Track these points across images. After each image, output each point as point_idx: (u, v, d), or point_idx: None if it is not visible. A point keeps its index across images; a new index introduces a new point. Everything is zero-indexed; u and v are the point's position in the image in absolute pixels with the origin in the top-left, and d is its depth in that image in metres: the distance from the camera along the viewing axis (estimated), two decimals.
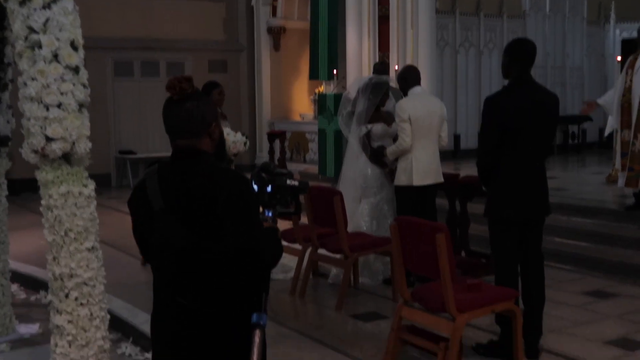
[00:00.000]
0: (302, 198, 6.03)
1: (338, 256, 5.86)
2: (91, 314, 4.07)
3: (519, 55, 4.39)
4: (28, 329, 5.53)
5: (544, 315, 4.58)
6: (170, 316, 2.48)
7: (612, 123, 8.88)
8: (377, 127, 6.35)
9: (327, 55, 11.66)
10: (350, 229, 6.28)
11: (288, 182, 2.59)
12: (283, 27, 14.76)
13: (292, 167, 13.37)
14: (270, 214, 2.56)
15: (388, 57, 12.42)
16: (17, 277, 6.93)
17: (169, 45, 14.43)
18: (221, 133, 2.72)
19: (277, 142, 13.63)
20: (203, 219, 2.33)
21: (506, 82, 4.51)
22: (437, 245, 3.87)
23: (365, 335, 4.96)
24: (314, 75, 12.67)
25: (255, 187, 2.55)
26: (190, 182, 2.37)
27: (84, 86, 4.07)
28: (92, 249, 4.06)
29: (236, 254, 2.34)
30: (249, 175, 2.54)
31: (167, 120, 2.46)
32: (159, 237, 2.42)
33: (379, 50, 12.60)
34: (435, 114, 6.04)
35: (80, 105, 4.05)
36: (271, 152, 13.62)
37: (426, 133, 5.97)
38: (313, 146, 13.15)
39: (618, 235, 6.79)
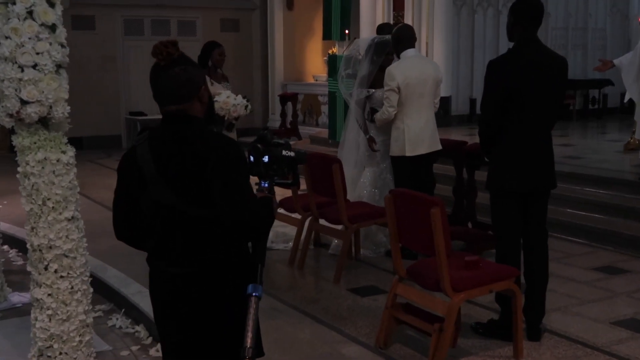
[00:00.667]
0: (300, 168, 5.82)
1: (338, 227, 5.66)
2: (72, 287, 3.91)
3: (524, 15, 4.08)
4: (20, 298, 5.40)
5: (550, 292, 4.37)
6: (164, 285, 2.51)
7: (630, 90, 8.54)
8: (379, 92, 6.06)
9: (340, 15, 11.29)
10: (352, 197, 6.07)
11: (284, 152, 2.56)
12: None
13: (304, 130, 13.14)
14: (266, 185, 2.56)
15: (402, 17, 12.07)
16: (15, 243, 6.83)
17: (180, 3, 14.15)
18: (210, 95, 2.61)
19: (289, 105, 13.39)
20: (193, 183, 2.36)
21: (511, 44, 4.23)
22: (432, 221, 3.65)
23: (362, 311, 4.77)
24: (327, 35, 12.33)
25: (251, 157, 2.54)
26: (181, 147, 2.38)
27: (62, 46, 3.85)
28: (72, 219, 3.89)
29: (225, 220, 2.35)
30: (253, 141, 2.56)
31: (155, 87, 2.44)
32: (151, 202, 2.44)
33: (394, 9, 12.25)
34: (429, 78, 5.74)
35: (58, 66, 3.83)
36: (283, 115, 13.39)
37: (418, 99, 5.69)
38: (326, 109, 12.86)
39: (632, 208, 6.50)
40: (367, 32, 11.57)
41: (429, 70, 5.78)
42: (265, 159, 2.54)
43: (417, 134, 5.69)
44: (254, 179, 2.56)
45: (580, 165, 7.85)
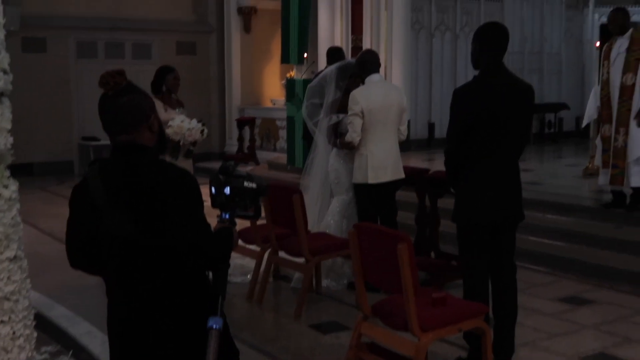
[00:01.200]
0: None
1: (299, 259, 5.46)
2: (14, 333, 3.63)
3: (490, 42, 3.98)
4: None
5: (517, 325, 4.21)
6: (121, 318, 2.45)
7: (590, 113, 8.58)
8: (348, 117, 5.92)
9: (298, 38, 11.18)
10: (318, 226, 5.90)
11: (245, 184, 2.55)
12: (254, 7, 14.23)
13: (262, 155, 12.94)
14: (227, 216, 2.54)
15: (361, 40, 12.03)
16: None
17: (135, 26, 13.86)
18: (160, 123, 2.56)
19: (246, 129, 13.20)
20: (147, 214, 2.34)
21: (476, 72, 4.11)
22: (399, 257, 3.49)
23: (324, 350, 4.57)
24: (285, 59, 12.21)
25: (212, 189, 2.54)
26: (132, 178, 2.37)
27: (5, 72, 3.61)
28: (14, 259, 3.62)
29: (180, 249, 2.34)
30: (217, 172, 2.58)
31: (103, 117, 2.44)
32: (104, 233, 2.40)
33: (352, 32, 12.20)
34: (393, 105, 5.64)
35: (0, 95, 3.58)
36: (240, 139, 13.19)
37: (382, 126, 5.59)
38: (284, 133, 12.68)
39: (594, 235, 6.46)
40: (324, 55, 11.43)
41: (393, 96, 5.67)
42: (227, 190, 2.52)
43: (381, 161, 5.57)
44: (215, 211, 2.56)
45: (541, 191, 7.81)
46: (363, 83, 5.73)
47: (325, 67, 8.64)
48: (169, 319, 2.39)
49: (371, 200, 5.63)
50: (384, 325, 3.84)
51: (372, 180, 5.55)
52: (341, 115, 5.89)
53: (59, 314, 5.25)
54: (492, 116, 3.86)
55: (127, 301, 2.43)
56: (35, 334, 3.79)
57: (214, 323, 2.31)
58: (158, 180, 2.35)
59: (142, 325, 2.41)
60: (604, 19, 15.14)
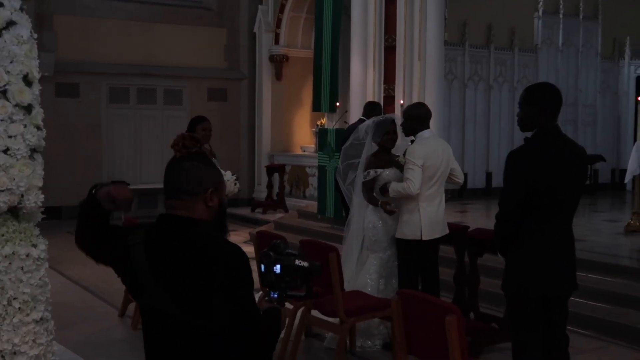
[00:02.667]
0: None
1: (333, 319, 5.22)
2: None
3: (548, 104, 3.78)
4: None
5: None
6: None
7: (632, 169, 8.33)
8: (389, 173, 5.72)
9: (329, 86, 11.10)
10: (354, 285, 5.68)
11: (297, 262, 2.44)
12: (286, 55, 14.25)
13: (291, 202, 12.79)
14: (275, 295, 2.44)
15: (394, 90, 11.91)
16: None
17: (167, 72, 13.93)
18: (222, 204, 2.43)
19: (276, 176, 13.09)
20: (193, 292, 2.21)
21: (523, 134, 3.89)
22: (447, 330, 3.25)
23: None
24: (317, 107, 12.15)
25: (262, 266, 2.45)
26: (180, 252, 2.25)
27: (38, 128, 3.49)
28: (40, 321, 3.46)
29: (224, 331, 2.21)
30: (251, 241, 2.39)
31: (165, 178, 2.38)
32: (146, 306, 2.32)
33: (385, 82, 12.09)
34: (445, 161, 5.50)
35: (33, 151, 3.46)
36: (269, 186, 13.07)
37: (435, 182, 5.44)
38: (313, 181, 12.56)
39: None
40: (357, 104, 11.35)
41: (445, 153, 5.54)
42: (277, 268, 2.41)
43: (433, 217, 5.41)
44: (264, 289, 2.38)
45: (583, 249, 7.48)
46: (411, 136, 5.57)
47: (359, 120, 8.57)
48: None
49: (417, 257, 5.44)
50: None
51: (426, 237, 5.37)
52: (379, 171, 5.72)
53: None
54: (551, 185, 3.65)
55: None
56: None
57: None
58: (207, 257, 2.22)
59: None
60: None
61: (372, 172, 5.73)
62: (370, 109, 8.68)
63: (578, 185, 3.79)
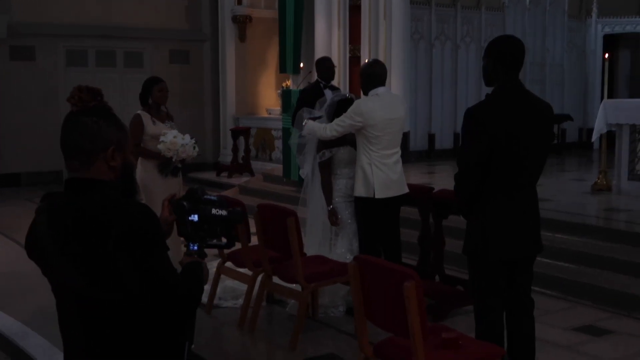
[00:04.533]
0: (251, 220, 5.23)
1: (294, 286, 5.06)
2: None
3: (505, 57, 3.59)
4: None
5: None
6: None
7: (599, 127, 8.24)
8: (343, 152, 5.53)
9: (293, 47, 10.82)
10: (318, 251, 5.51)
11: (213, 211, 2.32)
12: (249, 16, 13.87)
13: (257, 165, 12.57)
14: (195, 247, 2.31)
15: (359, 50, 11.68)
16: None
17: (126, 34, 13.51)
18: (128, 164, 2.22)
19: (241, 139, 12.83)
20: (98, 262, 2.02)
21: (486, 89, 3.71)
22: (406, 296, 3.09)
23: None
24: (283, 68, 11.87)
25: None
26: (79, 219, 2.04)
27: None
28: None
29: (140, 301, 2.05)
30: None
31: (61, 136, 2.15)
32: (54, 280, 2.14)
33: (350, 42, 11.86)
34: (399, 118, 5.32)
35: None
36: (235, 149, 12.82)
37: (387, 140, 5.24)
38: (279, 144, 12.32)
39: (611, 258, 6.05)
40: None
41: (399, 109, 5.35)
42: (194, 217, 2.31)
43: (386, 177, 5.22)
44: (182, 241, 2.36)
45: (549, 209, 7.40)
46: (365, 95, 5.37)
47: (315, 81, 8.23)
48: None
49: (374, 216, 5.27)
50: None
51: (379, 195, 5.19)
52: (334, 150, 5.51)
53: (35, 344, 4.85)
54: (513, 140, 3.47)
55: (79, 357, 2.13)
56: None
57: None
58: (105, 221, 2.01)
59: None
60: (607, 30, 14.89)
61: (326, 153, 5.51)
62: (317, 67, 8.11)
63: (542, 142, 3.62)
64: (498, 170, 3.51)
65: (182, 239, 2.41)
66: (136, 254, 2.01)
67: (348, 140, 5.47)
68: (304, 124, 5.60)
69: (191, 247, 2.31)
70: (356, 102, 5.37)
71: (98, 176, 2.11)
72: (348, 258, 5.46)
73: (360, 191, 5.28)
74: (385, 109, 5.24)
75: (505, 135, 3.45)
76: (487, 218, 3.56)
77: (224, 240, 2.42)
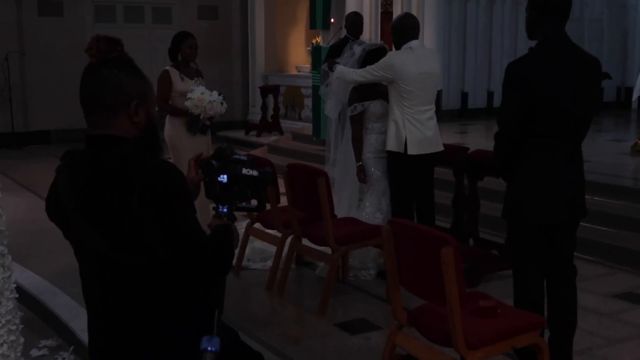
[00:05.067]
0: (280, 181, 5.09)
1: (324, 248, 4.93)
2: None
3: (549, 7, 3.35)
4: None
5: None
6: (100, 334, 2.08)
7: None
8: (375, 105, 5.34)
9: (323, 2, 10.53)
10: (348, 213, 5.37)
11: (244, 171, 2.19)
12: None
13: (285, 125, 12.39)
14: (225, 210, 2.18)
15: (391, 6, 11.37)
16: None
17: None
18: (152, 119, 2.07)
19: (270, 98, 12.64)
20: (122, 223, 1.91)
21: (530, 43, 3.49)
22: (443, 263, 2.94)
23: (351, 353, 4.05)
24: (314, 24, 11.60)
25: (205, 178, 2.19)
26: (102, 177, 1.93)
27: None
28: None
29: (167, 265, 1.93)
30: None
31: (80, 90, 2.03)
32: (76, 243, 2.05)
33: None
34: (433, 73, 5.14)
35: None
36: (264, 108, 12.65)
37: (420, 96, 5.05)
38: (309, 102, 12.12)
39: None
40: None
41: (433, 65, 5.17)
42: (224, 178, 2.17)
43: (419, 134, 5.04)
44: (210, 203, 2.24)
45: (588, 170, 7.09)
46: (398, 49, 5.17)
47: (344, 37, 8.01)
48: (155, 346, 2.00)
49: (406, 173, 5.10)
50: (422, 338, 3.31)
51: (411, 150, 5.02)
52: (366, 104, 5.31)
53: (62, 304, 4.79)
54: (556, 97, 3.25)
55: (103, 325, 2.05)
56: (22, 340, 3.30)
57: (209, 345, 1.94)
58: (129, 180, 1.89)
59: (122, 348, 2.03)
60: None
61: (358, 106, 5.32)
62: (346, 24, 7.93)
63: (588, 99, 3.39)
64: (539, 128, 3.31)
65: (209, 201, 2.29)
66: (162, 213, 1.90)
67: (381, 92, 5.28)
68: (334, 68, 5.47)
69: (220, 209, 2.19)
70: (388, 54, 5.18)
71: (120, 132, 2.00)
72: (377, 217, 5.33)
73: (392, 145, 5.11)
74: (418, 63, 5.03)
75: (548, 92, 3.24)
76: (525, 178, 3.37)
77: (253, 202, 2.29)
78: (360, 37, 7.70)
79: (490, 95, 12.72)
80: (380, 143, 5.31)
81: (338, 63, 5.51)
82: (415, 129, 5.03)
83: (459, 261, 2.96)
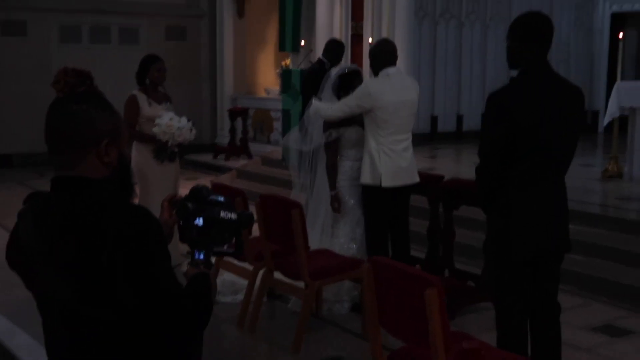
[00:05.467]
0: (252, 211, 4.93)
1: (298, 282, 4.78)
2: None
3: (533, 35, 3.27)
4: None
5: None
6: None
7: (612, 110, 7.94)
8: (350, 132, 5.23)
9: (293, 24, 10.46)
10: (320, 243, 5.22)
11: (222, 214, 2.04)
12: None
13: (255, 148, 12.23)
14: (201, 256, 2.02)
15: (361, 28, 11.33)
16: None
17: (121, 8, 13.08)
18: (124, 159, 1.92)
19: (239, 120, 12.48)
20: (87, 273, 1.75)
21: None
22: (428, 305, 2.82)
23: None
24: (283, 46, 11.52)
25: (181, 221, 2.05)
26: (69, 223, 1.77)
27: None
28: None
29: (138, 320, 1.77)
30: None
31: (46, 126, 1.88)
32: (40, 294, 1.90)
33: (352, 19, 11.51)
34: (410, 101, 5.04)
35: None
36: (232, 131, 12.47)
37: (398, 123, 4.96)
38: (278, 125, 11.99)
39: (629, 251, 5.78)
40: (322, 43, 10.72)
41: (411, 92, 5.07)
42: (199, 221, 2.01)
43: (395, 165, 4.95)
44: (184, 247, 2.11)
45: None
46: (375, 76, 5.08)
47: (317, 60, 7.98)
48: None
49: (381, 206, 4.99)
50: None
51: (385, 183, 4.91)
52: (341, 130, 5.20)
53: (22, 344, 4.56)
54: (539, 128, 3.17)
55: None
56: None
57: None
58: (101, 229, 1.74)
59: None
60: (615, 8, 14.51)
61: (333, 133, 5.20)
62: (326, 49, 8.01)
63: (571, 130, 3.32)
64: (522, 161, 3.22)
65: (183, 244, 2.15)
66: (135, 264, 1.75)
67: (357, 120, 5.18)
68: (309, 105, 5.33)
69: (196, 256, 2.03)
70: (364, 83, 5.09)
71: (89, 173, 1.85)
72: (351, 247, 5.20)
73: (366, 178, 5.01)
74: (395, 91, 4.94)
75: (530, 122, 3.15)
76: (509, 213, 3.27)
77: (231, 247, 2.14)
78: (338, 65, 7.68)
79: (459, 118, 12.72)
80: (355, 170, 5.20)
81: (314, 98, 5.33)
82: (389, 160, 4.93)
83: (444, 303, 2.84)
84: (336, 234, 5.29)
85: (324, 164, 5.41)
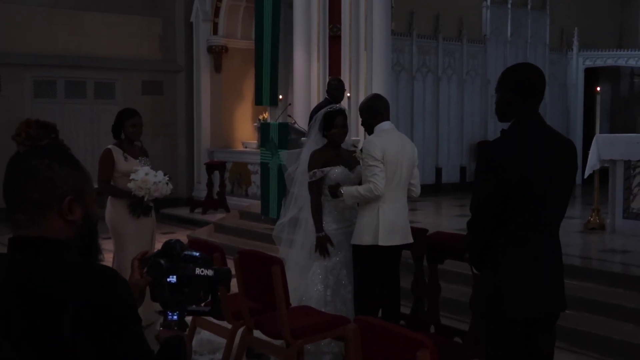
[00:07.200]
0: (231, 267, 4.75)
1: (278, 342, 4.57)
2: None
3: (524, 88, 3.19)
4: None
5: None
6: None
7: (592, 163, 7.93)
8: (336, 171, 5.09)
9: (270, 79, 10.42)
10: (296, 297, 5.02)
11: (197, 271, 1.90)
12: (225, 46, 13.50)
13: (232, 201, 12.07)
14: (175, 317, 1.89)
15: (341, 82, 11.33)
16: None
17: (97, 64, 13.02)
18: (90, 217, 1.75)
19: (216, 174, 12.35)
20: (47, 347, 1.57)
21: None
22: None
23: None
24: (259, 100, 11.46)
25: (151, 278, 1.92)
26: (25, 291, 1.59)
27: None
28: None
29: None
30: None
31: (4, 182, 1.73)
32: None
33: (330, 73, 11.50)
34: (407, 158, 4.89)
35: None
36: (209, 184, 12.33)
37: (396, 181, 4.81)
38: (256, 179, 11.87)
39: (617, 305, 5.65)
40: (300, 97, 10.79)
41: (407, 148, 4.93)
42: (172, 279, 1.88)
43: (393, 222, 4.78)
44: (156, 306, 1.97)
45: None
46: (369, 132, 4.97)
47: (324, 99, 8.19)
48: None
49: (376, 266, 4.83)
50: None
51: (383, 242, 4.74)
52: (325, 170, 5.06)
53: None
54: (532, 183, 3.05)
55: None
56: None
57: None
58: (63, 297, 1.57)
59: None
60: (589, 63, 14.75)
61: (318, 172, 5.06)
62: (327, 87, 8.70)
63: (564, 185, 3.21)
64: (514, 216, 3.09)
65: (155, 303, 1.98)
66: (101, 338, 1.57)
67: (343, 158, 5.05)
68: (339, 193, 5.02)
69: (169, 317, 1.89)
70: (367, 140, 4.93)
71: (51, 234, 1.68)
72: (327, 295, 5.03)
73: (362, 238, 4.80)
74: (395, 145, 4.80)
75: (523, 177, 3.04)
76: (502, 271, 3.12)
77: (207, 306, 2.00)
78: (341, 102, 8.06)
79: (438, 171, 12.70)
80: (339, 212, 5.06)
81: (340, 187, 5.11)
82: (387, 219, 4.77)
83: None
84: (311, 275, 5.10)
85: (307, 211, 5.25)
